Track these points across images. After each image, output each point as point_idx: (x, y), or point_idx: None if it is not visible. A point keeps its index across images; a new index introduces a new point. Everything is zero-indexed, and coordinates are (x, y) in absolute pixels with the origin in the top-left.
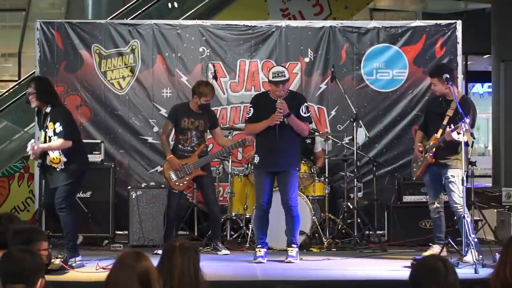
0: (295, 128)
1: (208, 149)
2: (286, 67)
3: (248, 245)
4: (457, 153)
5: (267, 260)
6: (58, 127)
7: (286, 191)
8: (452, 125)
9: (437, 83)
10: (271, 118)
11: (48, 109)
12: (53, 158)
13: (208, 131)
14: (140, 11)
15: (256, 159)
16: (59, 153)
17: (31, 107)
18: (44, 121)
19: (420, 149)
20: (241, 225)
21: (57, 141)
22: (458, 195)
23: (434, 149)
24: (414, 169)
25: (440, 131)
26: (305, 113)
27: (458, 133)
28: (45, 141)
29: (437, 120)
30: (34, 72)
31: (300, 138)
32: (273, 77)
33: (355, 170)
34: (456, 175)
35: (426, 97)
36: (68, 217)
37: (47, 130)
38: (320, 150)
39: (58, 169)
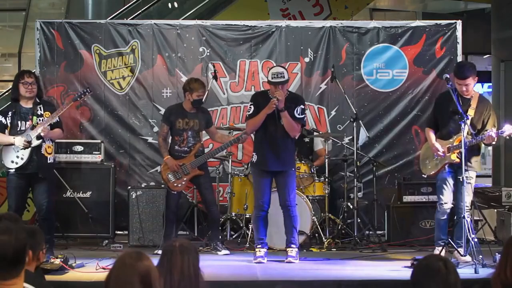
0: (286, 126)
1: (209, 149)
2: (286, 67)
3: (248, 245)
4: (478, 154)
5: (267, 260)
6: (56, 118)
7: (284, 192)
8: (493, 129)
9: (472, 82)
10: (268, 106)
11: (37, 100)
12: (48, 147)
13: (204, 131)
14: (140, 11)
15: (254, 157)
16: (51, 143)
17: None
18: (32, 111)
19: (442, 149)
20: (241, 225)
21: (57, 130)
22: (469, 198)
23: (459, 150)
24: (429, 167)
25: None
26: (299, 114)
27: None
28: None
29: (455, 119)
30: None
31: (293, 140)
32: (272, 78)
33: (355, 170)
34: (473, 176)
35: (426, 97)
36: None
37: (41, 118)
38: (320, 147)
39: (48, 161)
